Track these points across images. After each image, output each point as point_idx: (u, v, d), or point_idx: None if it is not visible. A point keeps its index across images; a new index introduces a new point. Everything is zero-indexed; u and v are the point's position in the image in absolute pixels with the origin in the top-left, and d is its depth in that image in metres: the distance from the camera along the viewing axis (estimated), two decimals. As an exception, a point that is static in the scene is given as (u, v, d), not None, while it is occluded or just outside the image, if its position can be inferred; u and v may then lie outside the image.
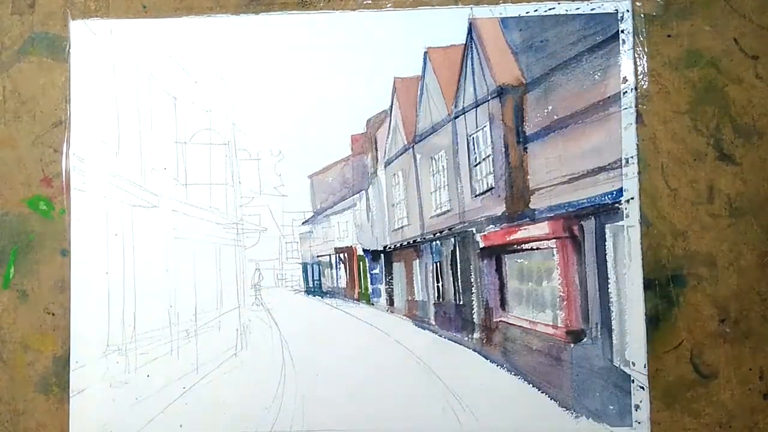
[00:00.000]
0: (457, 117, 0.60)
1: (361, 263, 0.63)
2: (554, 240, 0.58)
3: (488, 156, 0.59)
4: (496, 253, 0.59)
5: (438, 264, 0.61)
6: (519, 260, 0.58)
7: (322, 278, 0.62)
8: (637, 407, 0.57)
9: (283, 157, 0.60)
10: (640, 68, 0.59)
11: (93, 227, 0.59)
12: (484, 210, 0.59)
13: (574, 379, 0.57)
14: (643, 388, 0.56)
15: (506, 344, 0.58)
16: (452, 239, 0.60)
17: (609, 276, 0.57)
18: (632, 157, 0.58)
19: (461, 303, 0.60)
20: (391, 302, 0.62)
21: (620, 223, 0.57)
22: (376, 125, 0.61)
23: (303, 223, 0.61)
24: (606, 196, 0.58)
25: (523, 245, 0.58)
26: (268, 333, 0.60)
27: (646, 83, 0.59)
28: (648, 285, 0.57)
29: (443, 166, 0.61)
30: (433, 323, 0.60)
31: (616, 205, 0.58)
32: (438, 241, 0.61)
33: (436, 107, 0.60)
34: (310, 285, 0.62)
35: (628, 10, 0.59)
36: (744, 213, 0.58)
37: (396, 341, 0.59)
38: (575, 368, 0.57)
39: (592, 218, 0.58)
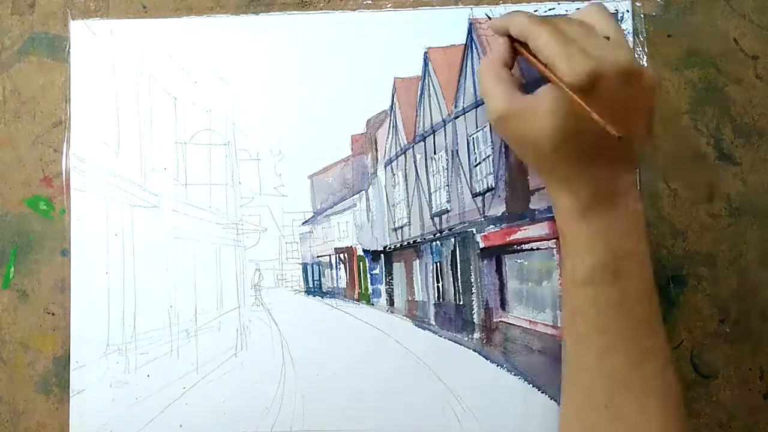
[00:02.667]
0: (457, 117, 0.60)
1: (361, 263, 0.63)
2: (554, 240, 0.58)
3: (488, 156, 0.58)
4: (496, 254, 0.59)
5: (438, 264, 0.61)
6: (519, 260, 0.58)
7: (322, 278, 0.62)
8: (637, 407, 0.56)
9: (283, 157, 0.60)
10: (640, 68, 0.59)
11: (93, 227, 0.59)
12: (484, 210, 0.59)
13: (574, 379, 0.57)
14: (643, 388, 0.56)
15: (506, 344, 0.58)
16: (452, 239, 0.60)
17: (609, 276, 0.57)
18: (632, 157, 0.58)
19: (461, 303, 0.60)
20: (391, 302, 0.61)
21: (620, 223, 0.57)
22: (376, 125, 0.61)
23: (303, 223, 0.61)
24: (606, 196, 0.58)
25: (523, 245, 0.58)
26: (268, 333, 0.60)
27: (646, 83, 0.59)
28: (648, 285, 0.57)
29: (443, 166, 0.61)
30: (433, 323, 0.60)
31: (616, 205, 0.58)
32: (438, 242, 0.61)
33: (436, 107, 0.60)
34: (310, 285, 0.62)
35: (628, 10, 0.59)
36: (744, 213, 0.58)
37: (396, 341, 0.59)
38: (575, 368, 0.57)
39: (592, 218, 0.58)
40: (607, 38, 0.42)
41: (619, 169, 0.44)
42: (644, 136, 0.46)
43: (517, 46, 0.45)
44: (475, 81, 0.60)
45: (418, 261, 0.62)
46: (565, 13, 0.59)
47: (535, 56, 0.42)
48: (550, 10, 0.59)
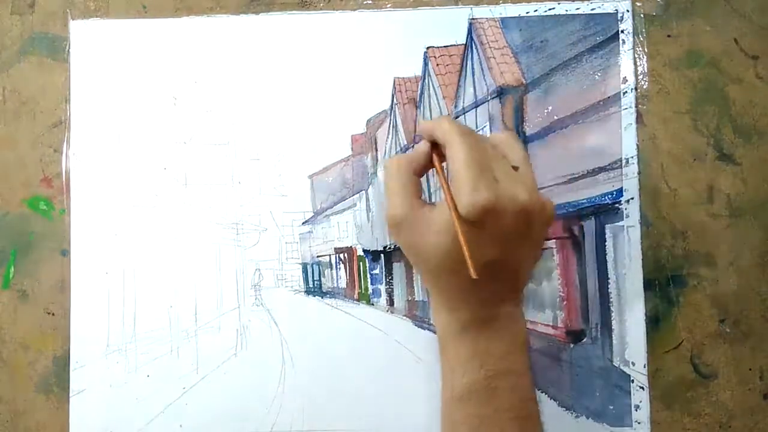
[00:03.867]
0: (457, 117, 0.60)
1: (361, 263, 0.63)
2: (554, 240, 0.58)
3: (488, 156, 0.58)
4: (496, 253, 0.59)
5: (438, 264, 0.61)
6: (519, 260, 0.58)
7: (322, 278, 0.62)
8: (637, 407, 0.57)
9: (283, 157, 0.60)
10: (640, 68, 0.59)
11: (93, 227, 0.59)
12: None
13: (574, 379, 0.57)
14: (643, 388, 0.57)
15: (506, 344, 0.58)
16: (452, 239, 0.60)
17: (609, 276, 0.57)
18: (632, 157, 0.58)
19: (461, 303, 0.59)
20: (391, 302, 0.61)
21: (620, 223, 0.57)
22: (376, 125, 0.61)
23: (303, 223, 0.61)
24: (606, 196, 0.58)
25: (523, 245, 0.57)
26: (268, 333, 0.60)
27: (646, 83, 0.59)
28: (648, 285, 0.57)
29: (444, 166, 0.60)
30: (433, 323, 0.60)
31: (616, 205, 0.58)
32: (438, 241, 0.61)
33: (436, 107, 0.60)
34: (310, 285, 0.62)
35: (628, 10, 0.59)
36: (744, 213, 0.58)
37: (396, 341, 0.59)
38: (575, 368, 0.57)
39: (592, 218, 0.58)
40: (516, 168, 0.42)
41: (503, 295, 0.43)
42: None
43: (434, 155, 0.45)
44: (475, 81, 0.60)
45: (418, 261, 0.62)
46: (564, 13, 0.59)
47: (444, 167, 0.42)
48: (550, 9, 0.59)
